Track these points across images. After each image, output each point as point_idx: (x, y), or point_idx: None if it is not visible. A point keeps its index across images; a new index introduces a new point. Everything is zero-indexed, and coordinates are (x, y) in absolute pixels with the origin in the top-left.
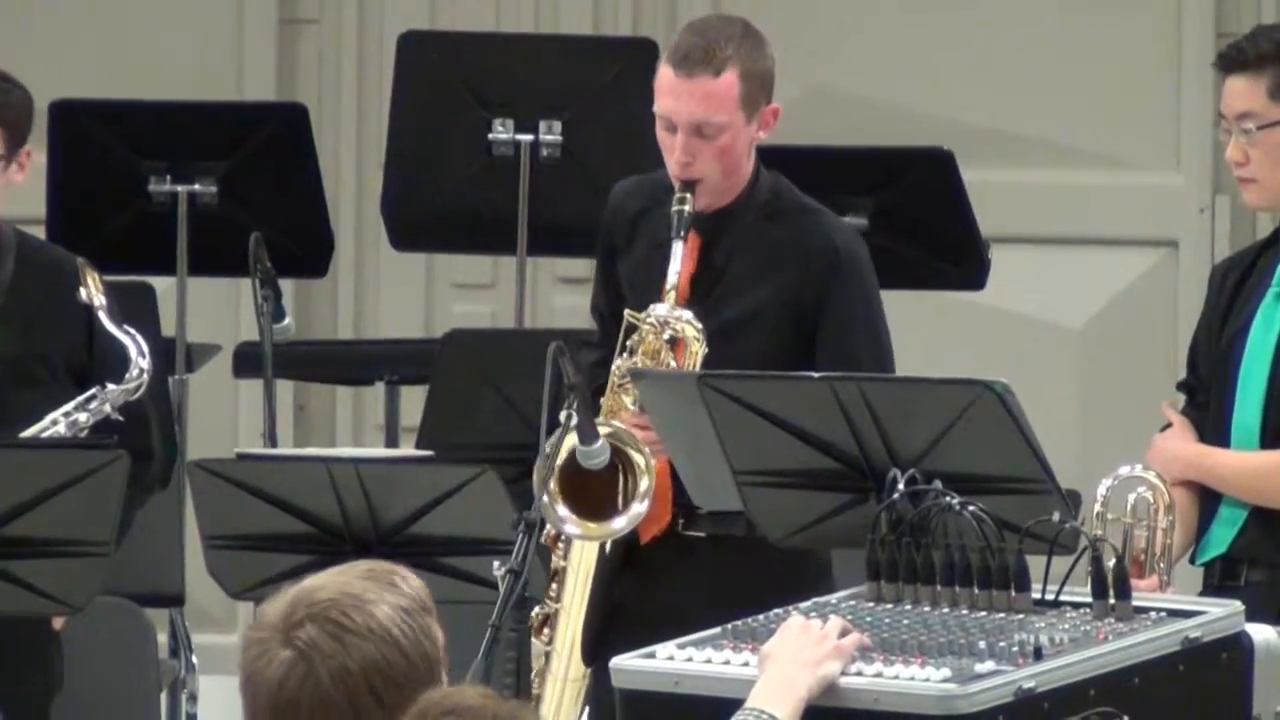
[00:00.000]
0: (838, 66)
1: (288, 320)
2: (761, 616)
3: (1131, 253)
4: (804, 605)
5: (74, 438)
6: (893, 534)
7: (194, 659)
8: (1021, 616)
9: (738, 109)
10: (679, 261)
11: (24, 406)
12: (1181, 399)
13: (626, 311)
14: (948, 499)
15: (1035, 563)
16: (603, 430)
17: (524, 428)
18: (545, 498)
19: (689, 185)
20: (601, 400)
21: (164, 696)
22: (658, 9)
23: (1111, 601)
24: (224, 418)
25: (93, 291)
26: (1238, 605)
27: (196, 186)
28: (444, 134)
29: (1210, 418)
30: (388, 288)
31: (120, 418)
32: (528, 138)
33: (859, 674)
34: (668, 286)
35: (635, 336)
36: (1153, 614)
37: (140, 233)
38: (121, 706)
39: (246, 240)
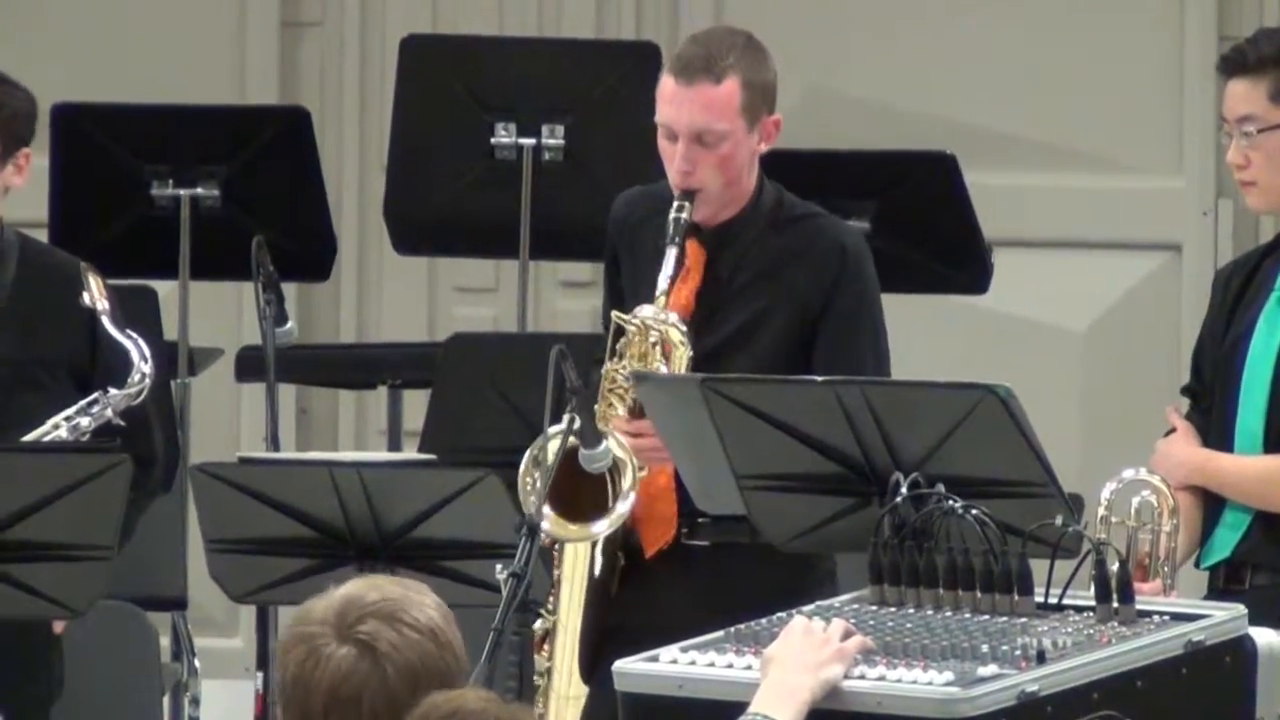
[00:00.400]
0: (841, 70)
1: (290, 324)
2: (764, 620)
3: (1134, 256)
4: (807, 608)
5: (76, 442)
6: (896, 538)
7: (196, 662)
8: (1024, 620)
9: (739, 117)
10: (670, 267)
11: (26, 410)
12: (1185, 403)
13: (614, 314)
14: (950, 503)
15: (1038, 566)
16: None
17: (526, 432)
18: (534, 499)
19: (689, 195)
20: (595, 406)
21: (166, 700)
22: (660, 13)
23: (1115, 605)
24: (226, 422)
25: (95, 295)
26: (1241, 609)
27: (199, 190)
28: (446, 137)
29: (1214, 422)
30: (390, 291)
31: (122, 422)
32: (530, 141)
33: (862, 677)
34: (658, 292)
35: (623, 340)
36: (1156, 618)
37: (142, 236)
38: (123, 710)
39: (249, 244)
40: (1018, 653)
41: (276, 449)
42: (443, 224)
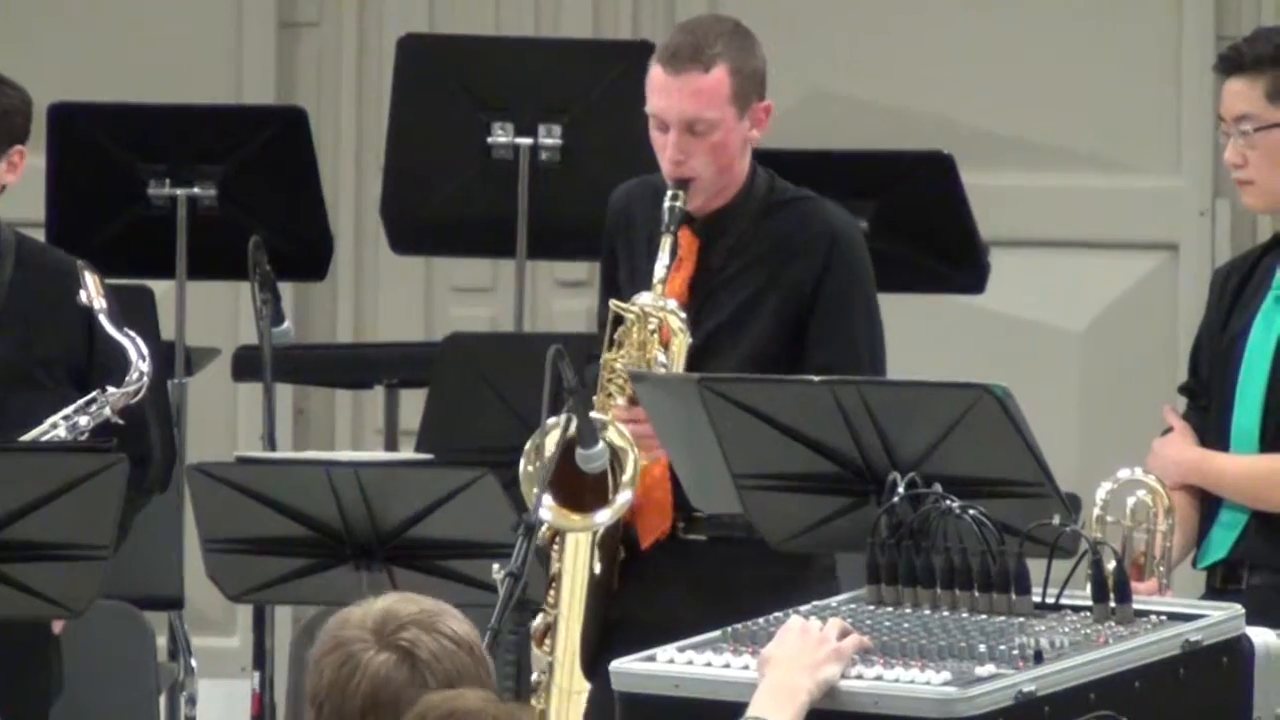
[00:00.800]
0: (838, 70)
1: (287, 324)
2: (761, 620)
3: (1132, 256)
4: (804, 608)
5: (72, 441)
6: (893, 537)
7: (193, 662)
8: (1022, 620)
9: (729, 105)
10: (667, 256)
11: (24, 410)
12: (1183, 402)
13: (612, 302)
14: (948, 502)
15: (1035, 566)
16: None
17: (523, 431)
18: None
19: (682, 184)
20: (594, 397)
21: (163, 699)
22: (657, 12)
23: (1112, 605)
24: (223, 421)
25: (93, 294)
26: (1238, 609)
27: (196, 190)
28: (443, 137)
29: (1211, 421)
30: (387, 291)
31: (120, 421)
32: (527, 141)
33: (859, 677)
34: (655, 280)
35: (621, 328)
36: (1153, 617)
37: (139, 236)
38: (120, 709)
39: (246, 243)
40: (1015, 652)
41: (273, 449)
42: (440, 224)
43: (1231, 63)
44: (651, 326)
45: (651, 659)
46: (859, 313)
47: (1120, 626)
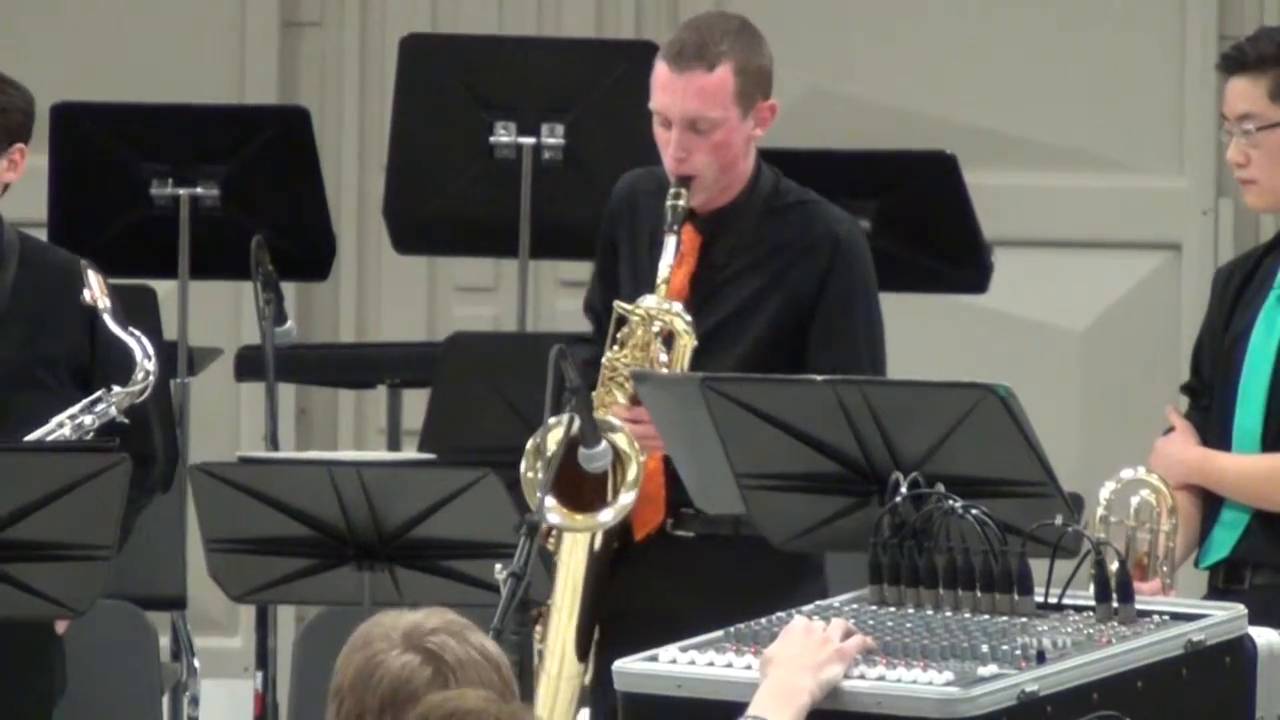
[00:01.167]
0: (841, 69)
1: (289, 323)
2: (764, 620)
3: (1134, 256)
4: (806, 608)
5: (75, 441)
6: (895, 537)
7: (195, 662)
8: (1024, 620)
9: (732, 104)
10: (670, 255)
11: (28, 409)
12: (1185, 401)
13: (616, 303)
14: (950, 502)
15: (1038, 566)
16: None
17: (526, 431)
18: (537, 490)
19: (684, 181)
20: (593, 394)
21: (165, 700)
22: (660, 11)
23: (1114, 605)
24: (226, 421)
25: (96, 293)
26: (1241, 609)
27: (198, 189)
28: (446, 137)
29: (1213, 421)
30: (390, 291)
31: (125, 420)
32: (529, 140)
33: (861, 677)
34: (659, 280)
35: (625, 329)
36: (1155, 617)
37: (142, 236)
38: (123, 709)
39: (248, 243)
40: (1018, 652)
41: (276, 448)
42: (442, 223)
43: (1234, 62)
44: (656, 329)
45: (653, 659)
46: (860, 318)
47: (1123, 626)
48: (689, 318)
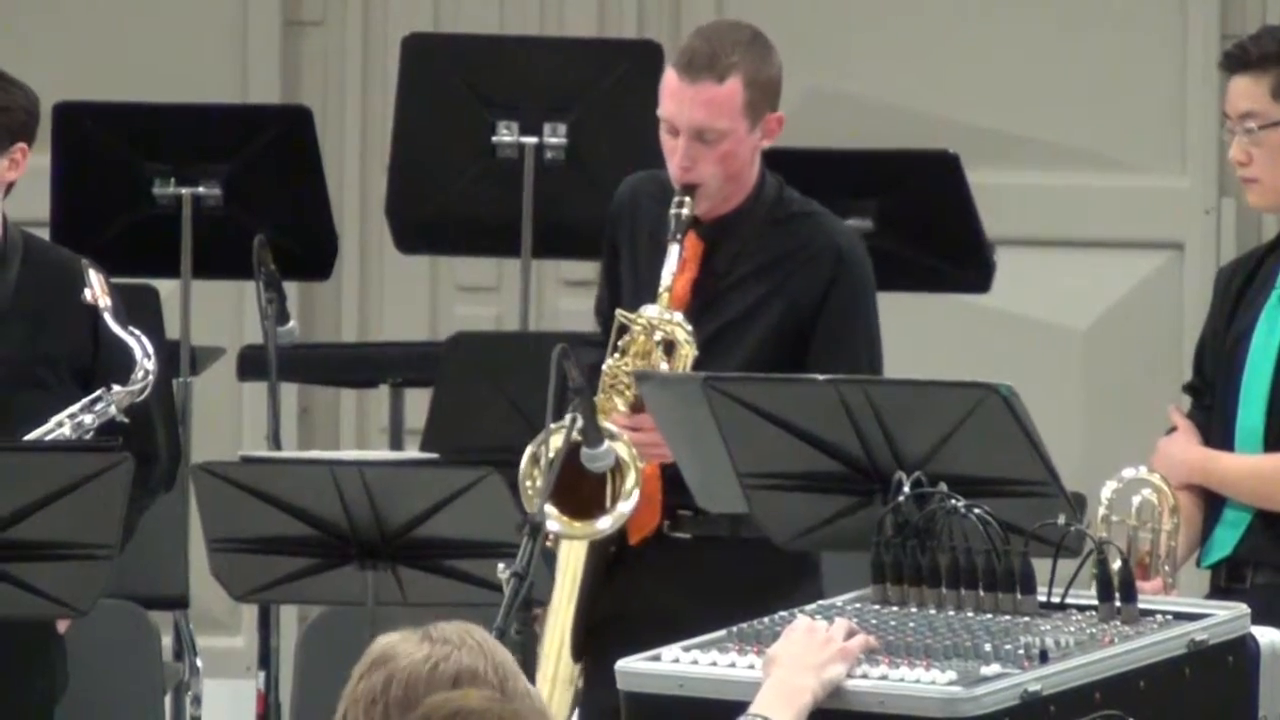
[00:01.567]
0: (843, 69)
1: (292, 323)
2: (766, 619)
3: (1137, 255)
4: (809, 607)
5: (77, 440)
6: (898, 536)
7: (198, 662)
8: (1027, 619)
9: (740, 116)
10: (674, 264)
11: (29, 408)
12: (1187, 401)
13: (618, 311)
14: (953, 501)
15: (1041, 565)
16: None
17: (528, 430)
18: (533, 494)
19: (689, 190)
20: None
21: (168, 699)
22: (662, 11)
23: (1117, 604)
24: (228, 421)
25: (98, 293)
26: (1243, 608)
27: (200, 189)
28: (448, 136)
29: (1215, 420)
30: (392, 290)
31: (126, 419)
32: (532, 140)
33: (864, 677)
34: (661, 289)
35: (626, 337)
36: (1158, 617)
37: (144, 235)
38: (125, 709)
39: (251, 243)
40: (1020, 652)
41: (278, 448)
42: (444, 223)
43: (1237, 60)
44: (658, 338)
45: (656, 659)
46: (861, 329)
47: (1125, 626)
48: (690, 328)
